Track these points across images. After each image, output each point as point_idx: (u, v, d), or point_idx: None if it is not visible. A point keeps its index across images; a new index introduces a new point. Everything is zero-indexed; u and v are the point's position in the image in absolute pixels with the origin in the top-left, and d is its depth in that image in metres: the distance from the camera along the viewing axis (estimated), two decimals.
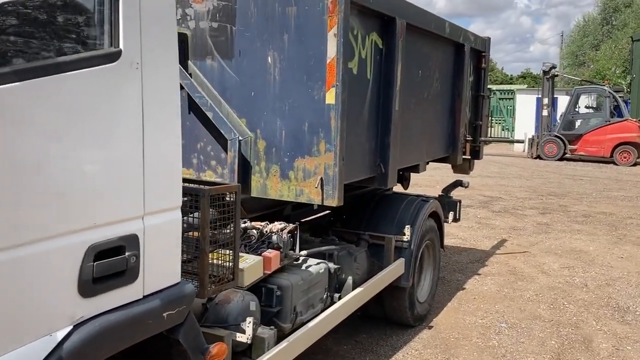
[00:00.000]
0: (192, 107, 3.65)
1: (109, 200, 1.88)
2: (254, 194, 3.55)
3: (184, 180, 2.26)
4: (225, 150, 3.56)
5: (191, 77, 3.62)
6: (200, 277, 2.41)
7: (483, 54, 5.88)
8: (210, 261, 2.48)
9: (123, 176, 1.92)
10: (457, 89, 5.31)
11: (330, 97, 3.29)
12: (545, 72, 19.41)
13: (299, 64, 3.34)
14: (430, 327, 4.82)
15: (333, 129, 3.30)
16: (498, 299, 5.62)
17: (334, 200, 3.37)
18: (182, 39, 3.60)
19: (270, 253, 3.20)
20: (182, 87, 3.59)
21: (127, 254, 1.92)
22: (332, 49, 3.24)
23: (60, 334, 1.75)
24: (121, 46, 1.86)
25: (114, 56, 1.85)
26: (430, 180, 11.34)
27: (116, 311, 1.91)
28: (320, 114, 3.32)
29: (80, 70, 1.75)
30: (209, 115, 3.54)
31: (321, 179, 3.35)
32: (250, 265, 3.02)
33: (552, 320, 5.16)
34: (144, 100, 1.93)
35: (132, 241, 1.94)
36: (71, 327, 1.79)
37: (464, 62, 5.26)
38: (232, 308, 2.83)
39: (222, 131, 3.52)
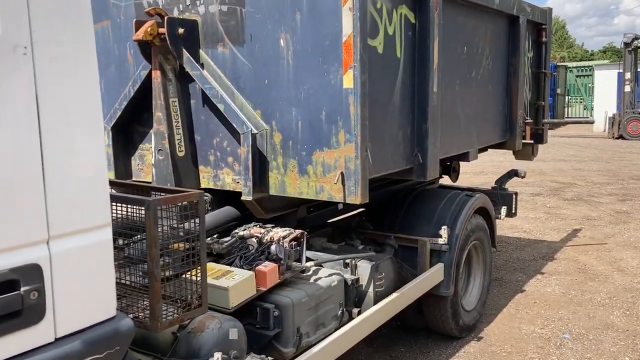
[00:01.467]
0: (205, 99, 3.42)
1: None
2: (272, 192, 3.29)
3: (139, 187, 1.92)
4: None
5: (203, 67, 3.36)
6: (151, 307, 2.07)
7: (543, 26, 5.47)
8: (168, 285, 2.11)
9: (9, 191, 1.54)
10: (512, 66, 4.96)
11: (348, 81, 2.95)
12: (626, 44, 18.00)
13: (313, 45, 3.04)
14: (479, 339, 4.35)
15: (352, 116, 2.97)
16: (563, 304, 5.07)
17: (356, 197, 3.03)
18: (192, 27, 3.36)
19: (265, 267, 2.82)
20: (193, 79, 3.36)
21: (23, 289, 1.56)
22: (347, 25, 2.90)
23: None
24: None
25: None
26: (498, 166, 10.68)
27: None
28: (338, 101, 3.00)
29: None
30: (220, 107, 3.31)
31: (341, 173, 3.03)
32: (238, 282, 2.64)
33: (627, 330, 4.55)
34: (38, 93, 1.57)
35: (31, 273, 1.58)
36: None
37: (520, 37, 4.89)
38: (206, 338, 2.42)
39: (233, 124, 3.25)
